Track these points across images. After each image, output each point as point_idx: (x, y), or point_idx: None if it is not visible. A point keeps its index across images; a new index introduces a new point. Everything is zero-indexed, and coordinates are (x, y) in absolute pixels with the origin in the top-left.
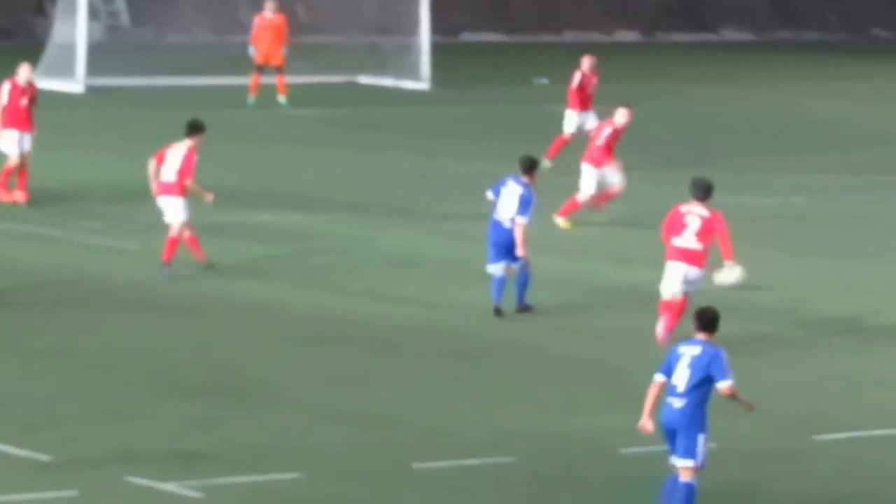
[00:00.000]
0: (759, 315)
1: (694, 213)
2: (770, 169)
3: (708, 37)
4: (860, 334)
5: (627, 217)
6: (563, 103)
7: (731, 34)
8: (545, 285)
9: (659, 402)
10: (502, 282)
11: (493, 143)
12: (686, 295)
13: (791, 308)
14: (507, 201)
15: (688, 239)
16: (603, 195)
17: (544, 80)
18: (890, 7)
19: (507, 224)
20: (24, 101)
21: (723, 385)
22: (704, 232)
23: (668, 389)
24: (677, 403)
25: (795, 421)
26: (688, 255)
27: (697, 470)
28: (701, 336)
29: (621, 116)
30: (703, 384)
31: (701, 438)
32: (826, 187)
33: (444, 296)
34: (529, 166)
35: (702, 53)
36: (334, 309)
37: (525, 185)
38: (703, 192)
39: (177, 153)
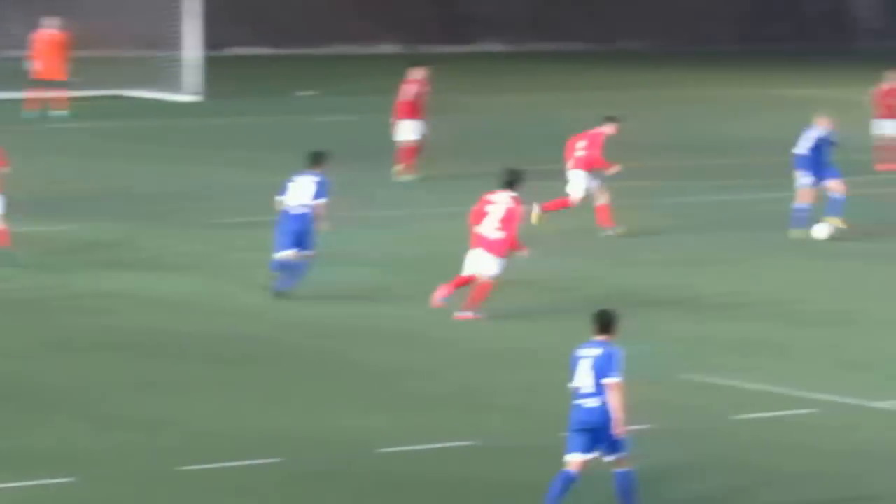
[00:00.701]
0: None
1: (497, 202)
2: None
3: (469, 48)
4: None
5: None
6: (390, 114)
7: (491, 45)
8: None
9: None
10: (286, 267)
11: (260, 153)
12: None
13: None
14: (299, 191)
15: (488, 227)
16: (557, 203)
17: (310, 93)
18: (638, 20)
19: (297, 211)
20: None
21: (609, 381)
22: (507, 220)
23: (574, 393)
24: (591, 403)
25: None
26: (486, 243)
27: (628, 459)
28: (600, 338)
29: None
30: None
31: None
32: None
33: (218, 301)
34: (318, 159)
35: (462, 65)
36: (109, 315)
37: (318, 174)
38: (510, 180)
39: None
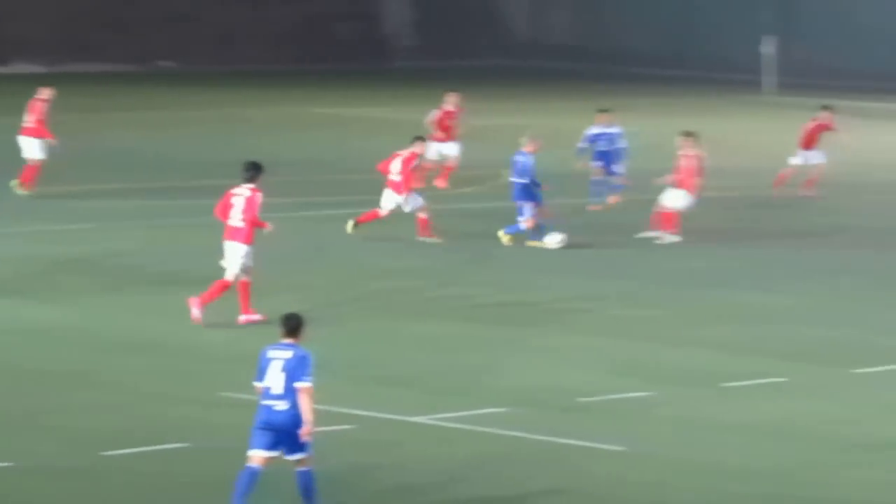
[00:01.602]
0: None
1: (239, 195)
2: (64, 197)
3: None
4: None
5: None
6: None
7: (22, 66)
8: None
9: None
10: None
11: None
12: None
13: None
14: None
15: (234, 219)
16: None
17: None
18: (174, 41)
19: None
20: None
21: (301, 385)
22: (248, 210)
23: (264, 392)
24: (280, 405)
25: (87, 438)
26: (233, 233)
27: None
28: (289, 340)
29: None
30: (294, 384)
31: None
32: (116, 213)
33: None
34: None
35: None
36: None
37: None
38: (250, 172)
39: None
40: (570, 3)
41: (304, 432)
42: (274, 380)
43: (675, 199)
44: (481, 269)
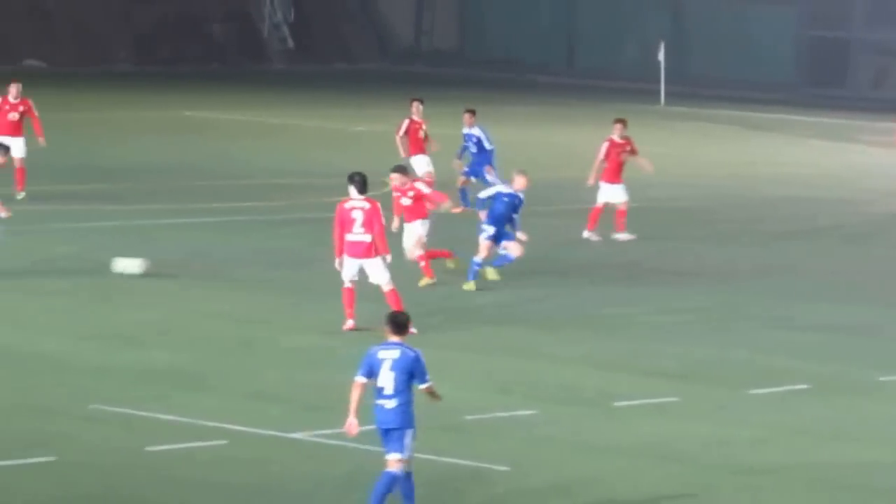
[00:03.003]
0: None
1: (358, 208)
2: None
3: None
4: None
5: None
6: None
7: None
8: None
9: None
10: None
11: None
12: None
13: None
14: None
15: (357, 233)
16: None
17: None
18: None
19: None
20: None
21: (424, 386)
22: (368, 223)
23: (376, 392)
24: (389, 404)
25: None
26: (361, 248)
27: (406, 461)
28: (395, 339)
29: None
30: (408, 384)
31: (409, 434)
32: None
33: None
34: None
35: None
36: None
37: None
38: (362, 184)
39: None
40: (453, 8)
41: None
42: (386, 380)
43: (618, 194)
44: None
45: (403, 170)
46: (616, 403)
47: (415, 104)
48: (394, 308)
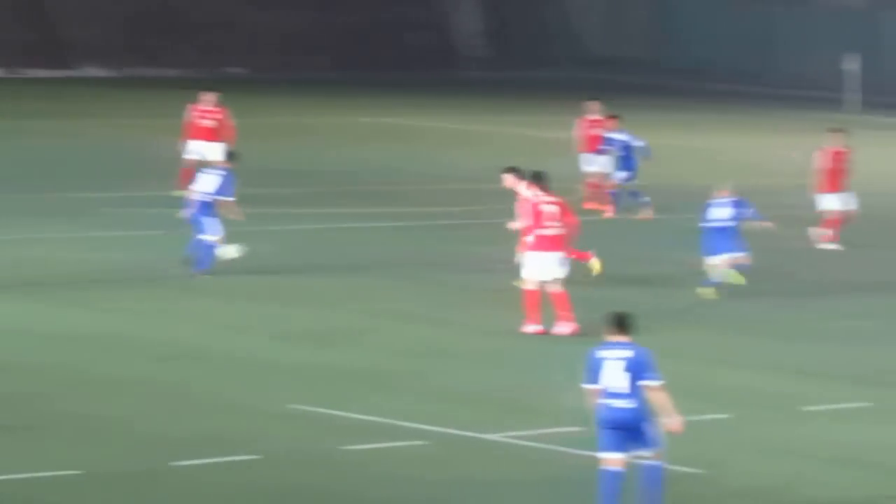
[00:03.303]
0: None
1: (550, 203)
2: (120, 203)
3: (69, 73)
4: None
5: None
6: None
7: (92, 71)
8: None
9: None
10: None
11: None
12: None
13: None
14: None
15: (551, 228)
16: None
17: None
18: (245, 48)
19: None
20: None
21: (654, 384)
22: (566, 217)
23: (605, 393)
24: (626, 404)
25: (155, 446)
26: (552, 242)
27: (659, 454)
28: (622, 338)
29: None
30: (640, 382)
31: (653, 426)
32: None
33: None
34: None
35: (62, 90)
36: None
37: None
38: (544, 181)
39: None
40: (645, 17)
41: (674, 426)
42: (616, 379)
43: (832, 202)
44: None
45: (516, 170)
46: (809, 408)
47: (591, 104)
48: (560, 309)
